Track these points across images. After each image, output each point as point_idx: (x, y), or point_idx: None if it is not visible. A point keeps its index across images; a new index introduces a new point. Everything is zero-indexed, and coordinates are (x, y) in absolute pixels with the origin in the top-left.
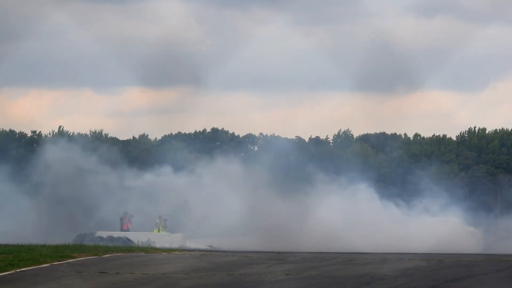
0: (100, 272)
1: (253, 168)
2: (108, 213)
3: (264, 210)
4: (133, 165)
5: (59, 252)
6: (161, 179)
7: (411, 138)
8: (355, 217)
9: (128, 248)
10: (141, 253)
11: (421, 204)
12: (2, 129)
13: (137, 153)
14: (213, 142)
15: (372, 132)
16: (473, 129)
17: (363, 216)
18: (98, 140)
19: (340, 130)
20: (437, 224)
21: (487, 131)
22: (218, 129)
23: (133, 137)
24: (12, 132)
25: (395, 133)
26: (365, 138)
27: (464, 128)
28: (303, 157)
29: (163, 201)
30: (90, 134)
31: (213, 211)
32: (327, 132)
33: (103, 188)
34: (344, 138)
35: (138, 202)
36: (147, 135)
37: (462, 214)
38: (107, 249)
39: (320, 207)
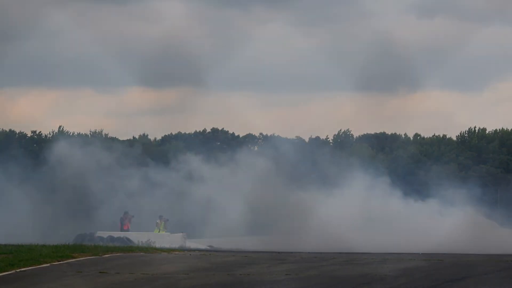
0: (100, 272)
1: (255, 168)
2: (113, 212)
3: (272, 208)
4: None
5: (59, 252)
6: (185, 177)
7: (411, 138)
8: (378, 214)
9: (128, 248)
10: (141, 253)
11: (430, 204)
12: (2, 129)
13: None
14: (213, 142)
15: (372, 132)
16: (473, 129)
17: (386, 212)
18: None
19: (340, 130)
20: (465, 223)
21: (487, 131)
22: (218, 129)
23: (133, 137)
24: (12, 132)
25: (395, 133)
26: (365, 138)
27: (464, 128)
28: (309, 156)
29: (189, 199)
30: (90, 134)
31: (222, 210)
32: (327, 132)
33: (128, 187)
34: (344, 138)
35: (165, 200)
36: (147, 135)
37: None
38: (107, 249)
39: (339, 205)
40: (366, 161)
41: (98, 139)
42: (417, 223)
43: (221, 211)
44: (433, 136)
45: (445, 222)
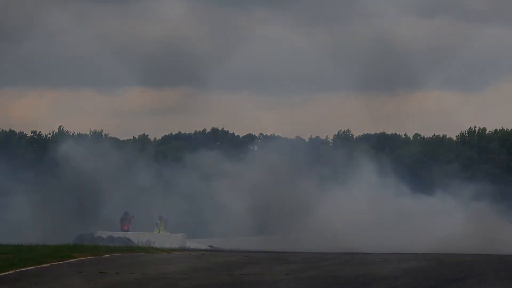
0: (100, 272)
1: (256, 168)
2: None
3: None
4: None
5: (59, 252)
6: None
7: (411, 138)
8: (386, 212)
9: (128, 248)
10: (141, 253)
11: (438, 202)
12: (2, 129)
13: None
14: (213, 142)
15: (372, 132)
16: (473, 129)
17: (394, 211)
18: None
19: (340, 130)
20: (474, 222)
21: (487, 131)
22: (218, 129)
23: (133, 137)
24: (12, 132)
25: (395, 133)
26: (365, 138)
27: (464, 128)
28: (313, 155)
29: (198, 198)
30: (90, 134)
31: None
32: (327, 132)
33: (130, 186)
34: (344, 138)
35: (169, 200)
36: (147, 135)
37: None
38: (107, 249)
39: (343, 203)
40: (370, 159)
41: (102, 139)
42: (425, 221)
43: (230, 211)
44: (433, 136)
45: (455, 220)
